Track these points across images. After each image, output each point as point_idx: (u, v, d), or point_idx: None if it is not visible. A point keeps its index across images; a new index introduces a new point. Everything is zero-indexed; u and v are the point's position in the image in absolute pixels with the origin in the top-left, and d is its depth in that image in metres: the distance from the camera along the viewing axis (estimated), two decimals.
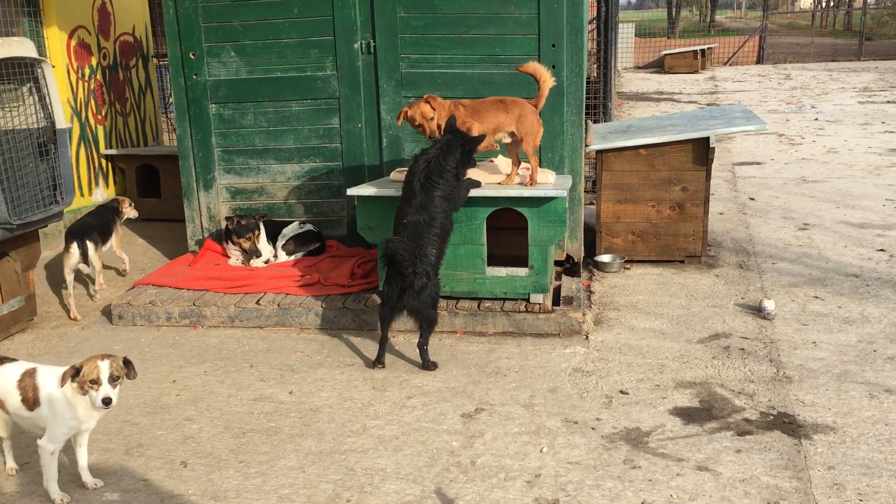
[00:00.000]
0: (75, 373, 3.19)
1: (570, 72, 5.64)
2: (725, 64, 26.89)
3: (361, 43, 5.88)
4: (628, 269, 6.22)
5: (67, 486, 3.44)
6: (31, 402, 3.29)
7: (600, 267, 6.21)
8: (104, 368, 3.20)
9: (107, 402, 3.18)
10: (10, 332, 5.24)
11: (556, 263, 5.87)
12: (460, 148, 4.59)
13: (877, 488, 3.29)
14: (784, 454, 3.57)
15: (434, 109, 4.82)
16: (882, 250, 6.39)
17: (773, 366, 4.46)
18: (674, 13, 42.00)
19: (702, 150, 6.01)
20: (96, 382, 3.18)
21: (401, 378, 4.49)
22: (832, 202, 8.00)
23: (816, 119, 13.71)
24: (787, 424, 3.82)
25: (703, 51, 24.87)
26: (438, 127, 4.88)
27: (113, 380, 3.21)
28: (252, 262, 6.03)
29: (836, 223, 7.24)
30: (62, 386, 3.21)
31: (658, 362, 4.57)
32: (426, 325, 4.54)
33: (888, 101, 15.59)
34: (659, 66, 25.99)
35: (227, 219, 6.07)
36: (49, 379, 3.27)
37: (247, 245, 5.97)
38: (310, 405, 4.20)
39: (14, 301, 5.20)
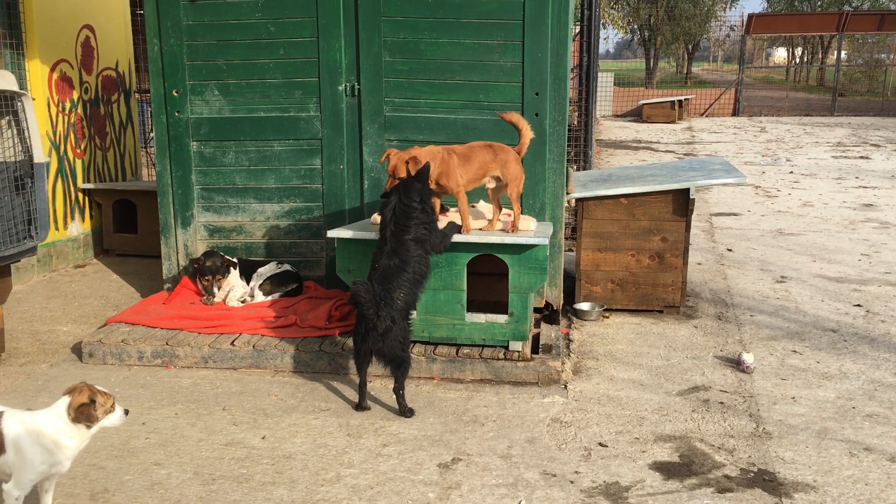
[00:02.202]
0: (90, 403, 3.19)
1: (552, 120, 5.68)
2: (702, 115, 27.35)
3: (346, 85, 5.89)
4: (607, 317, 6.21)
5: None
6: None
7: (579, 315, 6.19)
8: (109, 392, 3.30)
9: (127, 411, 3.33)
10: None
11: (535, 310, 5.84)
12: (415, 181, 4.62)
13: None
14: None
15: (408, 173, 4.72)
16: (859, 305, 6.44)
17: (753, 421, 4.43)
18: (651, 64, 42.78)
19: (682, 201, 6.04)
20: (112, 406, 3.26)
21: (377, 425, 4.40)
22: (809, 255, 8.08)
23: (791, 172, 13.93)
24: (767, 482, 3.78)
25: (680, 101, 25.30)
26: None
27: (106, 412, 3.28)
28: (227, 300, 5.94)
29: (813, 277, 7.29)
30: (75, 420, 3.17)
31: (637, 414, 4.53)
32: (396, 369, 4.48)
33: (861, 157, 15.90)
34: (637, 114, 26.37)
35: (192, 260, 6.03)
36: (15, 423, 3.16)
37: (205, 284, 5.92)
38: (283, 451, 4.10)
39: None
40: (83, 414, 3.15)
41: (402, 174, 4.70)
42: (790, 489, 3.72)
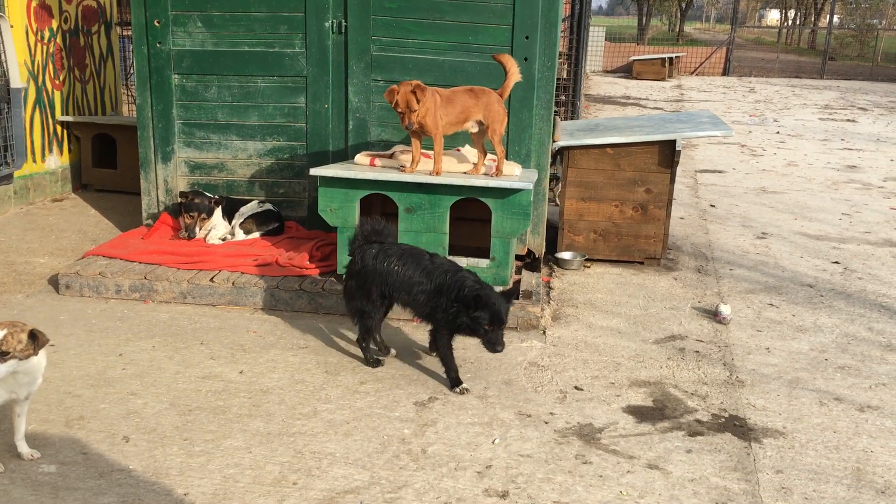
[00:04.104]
0: None
1: (541, 65, 5.61)
2: (692, 73, 27.21)
3: (332, 22, 5.77)
4: (588, 267, 6.22)
5: (2, 456, 3.31)
6: None
7: (561, 264, 6.20)
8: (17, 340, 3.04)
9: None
10: None
11: (517, 258, 5.85)
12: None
13: (823, 493, 3.31)
14: (734, 456, 3.58)
15: (419, 102, 4.71)
16: (837, 262, 6.49)
17: (727, 369, 4.48)
18: (644, 21, 42.37)
19: (668, 153, 6.02)
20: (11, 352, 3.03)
21: (354, 363, 4.41)
22: (790, 213, 8.11)
23: (778, 132, 13.92)
24: (737, 427, 3.84)
25: (671, 59, 25.13)
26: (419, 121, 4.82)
27: (1, 354, 3.03)
28: (208, 238, 5.89)
29: (794, 234, 7.33)
30: None
31: (614, 360, 4.57)
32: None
33: (848, 120, 15.91)
34: (627, 71, 26.19)
35: (182, 193, 5.94)
36: None
37: (188, 221, 5.85)
38: (260, 386, 4.11)
39: None
40: None
41: (415, 106, 4.67)
42: (760, 434, 3.77)
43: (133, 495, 3.13)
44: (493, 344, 3.92)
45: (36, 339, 3.13)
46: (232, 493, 3.17)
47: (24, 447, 3.34)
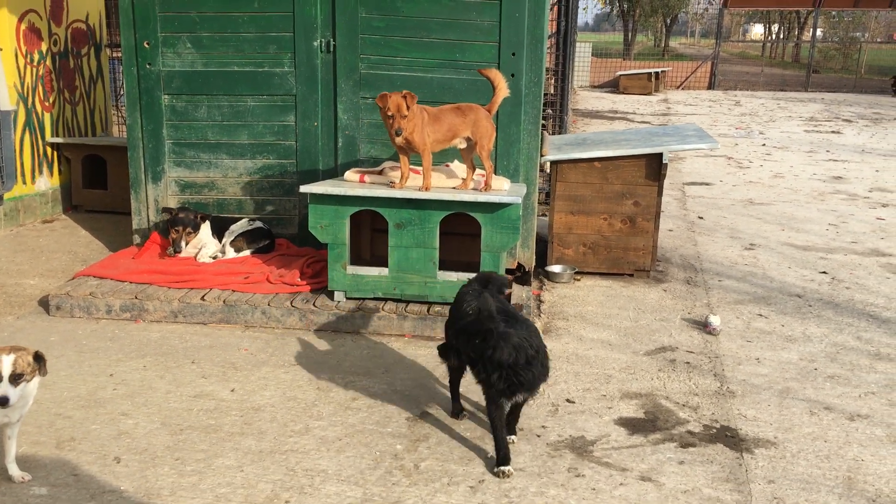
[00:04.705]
0: None
1: (528, 81, 5.66)
2: (678, 87, 27.42)
3: (321, 41, 5.81)
4: (578, 280, 6.25)
5: None
6: None
7: (551, 277, 6.23)
8: (6, 365, 3.04)
9: (2, 401, 3.02)
10: None
11: (508, 272, 5.87)
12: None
13: (815, 502, 3.33)
14: (726, 467, 3.59)
15: (408, 108, 4.75)
16: (824, 272, 6.54)
17: (718, 380, 4.51)
18: (630, 36, 42.70)
19: (655, 166, 6.07)
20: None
21: (346, 379, 4.42)
22: (778, 224, 8.17)
23: (764, 145, 14.03)
24: (729, 438, 3.85)
25: (657, 73, 25.33)
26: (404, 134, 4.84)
27: (15, 378, 3.04)
28: (198, 256, 5.89)
29: (781, 245, 7.39)
30: None
31: (605, 373, 4.59)
32: None
33: (833, 132, 16.06)
34: (614, 86, 26.37)
35: (165, 209, 5.97)
36: None
37: (174, 236, 5.86)
38: (252, 404, 4.10)
39: None
40: None
41: (405, 111, 4.71)
42: (751, 444, 3.79)
43: None
44: None
45: (42, 361, 3.15)
46: None
47: (14, 470, 3.32)
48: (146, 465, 3.49)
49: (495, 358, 3.37)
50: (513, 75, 5.58)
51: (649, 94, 24.61)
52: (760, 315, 5.56)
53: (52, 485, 3.31)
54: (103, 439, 3.70)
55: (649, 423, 3.99)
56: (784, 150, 13.51)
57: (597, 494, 3.35)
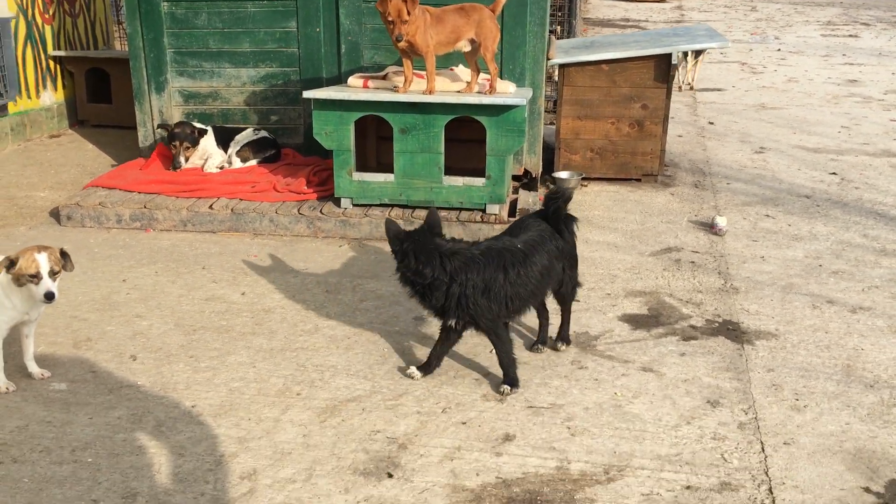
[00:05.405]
0: (10, 264, 3.10)
1: None
2: None
3: None
4: (585, 185, 6.24)
5: (14, 377, 3.40)
6: None
7: (558, 183, 6.21)
8: (43, 262, 3.10)
9: (49, 297, 3.10)
10: None
11: (514, 178, 5.86)
12: None
13: (812, 389, 3.40)
14: (726, 357, 3.66)
15: (409, 13, 4.65)
16: (834, 174, 6.50)
17: (722, 278, 4.54)
18: None
19: (663, 67, 5.97)
20: (35, 276, 3.09)
21: (354, 283, 4.48)
22: (789, 128, 8.07)
23: (779, 50, 13.72)
24: (731, 331, 3.91)
25: None
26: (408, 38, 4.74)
27: (53, 273, 3.13)
28: (205, 167, 5.90)
29: (792, 147, 7.31)
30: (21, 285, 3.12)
31: (610, 273, 4.63)
32: None
33: (850, 35, 15.65)
34: None
35: (161, 125, 5.95)
36: None
37: (172, 152, 5.84)
38: (262, 306, 4.19)
39: None
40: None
41: (406, 16, 4.60)
42: (752, 336, 3.85)
43: (142, 408, 3.23)
44: None
45: (67, 257, 3.23)
46: (238, 404, 3.27)
47: (34, 367, 3.43)
48: (161, 362, 3.60)
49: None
50: None
51: (663, 0, 23.92)
52: (767, 216, 5.55)
53: (71, 381, 3.43)
54: (119, 339, 3.80)
55: (652, 319, 4.05)
56: (799, 54, 13.21)
57: (599, 384, 3.44)
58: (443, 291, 3.25)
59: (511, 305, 3.34)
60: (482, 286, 3.24)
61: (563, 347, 3.73)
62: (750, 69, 11.74)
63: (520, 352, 3.68)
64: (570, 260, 3.66)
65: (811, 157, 6.97)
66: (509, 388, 3.37)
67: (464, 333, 3.47)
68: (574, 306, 4.16)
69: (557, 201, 3.55)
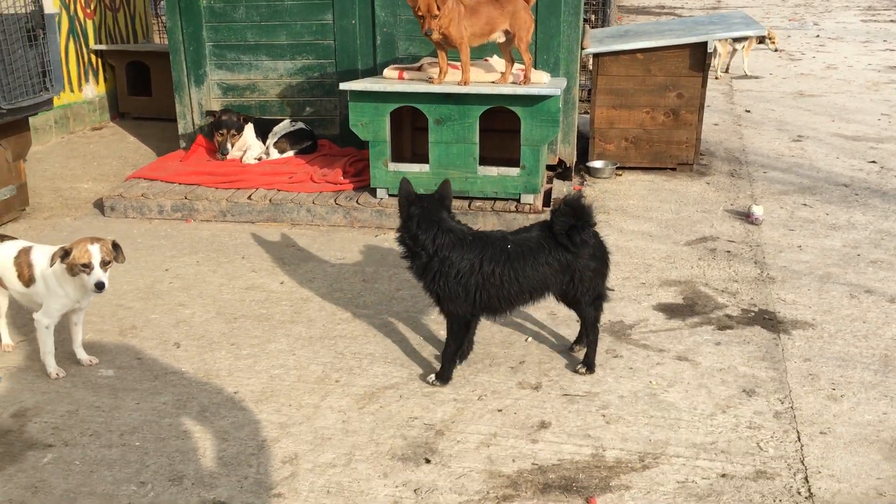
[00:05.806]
0: (64, 254, 3.20)
1: None
2: None
3: None
4: (620, 175, 6.23)
5: (63, 363, 3.52)
6: (26, 278, 3.33)
7: (592, 172, 6.22)
8: (95, 252, 3.20)
9: (100, 286, 3.20)
10: (3, 221, 5.25)
11: (549, 168, 5.88)
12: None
13: (850, 378, 3.39)
14: (762, 347, 3.66)
15: (440, 8, 4.69)
16: (873, 162, 6.42)
17: (758, 267, 4.53)
18: None
19: (699, 56, 5.94)
20: (88, 266, 3.19)
21: (390, 272, 4.54)
22: (828, 116, 7.97)
23: (818, 36, 13.52)
24: (767, 320, 3.91)
25: None
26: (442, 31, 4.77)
27: (104, 264, 3.22)
28: (244, 158, 6.01)
29: (830, 136, 7.23)
30: (51, 266, 3.22)
31: (645, 262, 4.64)
32: None
33: (891, 21, 15.35)
34: None
35: (208, 113, 6.05)
36: (43, 257, 3.31)
37: (219, 139, 5.95)
38: (300, 295, 4.27)
39: (5, 190, 5.19)
40: (52, 261, 3.20)
41: (436, 11, 4.64)
42: (789, 326, 3.85)
43: (187, 394, 3.33)
44: None
45: (119, 249, 3.34)
46: (279, 391, 3.35)
47: (82, 354, 3.55)
48: (204, 349, 3.69)
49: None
50: None
51: None
52: (805, 204, 5.51)
53: (118, 367, 3.54)
54: (163, 327, 3.91)
55: (687, 308, 4.06)
56: (838, 41, 13.00)
57: (634, 373, 3.46)
58: (423, 262, 3.32)
59: (479, 299, 3.30)
60: (456, 269, 3.28)
61: (583, 372, 3.45)
62: (788, 56, 11.58)
63: (554, 341, 3.72)
64: (582, 273, 3.36)
65: (850, 146, 6.89)
66: (437, 380, 3.38)
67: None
68: (609, 294, 4.18)
69: (561, 219, 3.32)
